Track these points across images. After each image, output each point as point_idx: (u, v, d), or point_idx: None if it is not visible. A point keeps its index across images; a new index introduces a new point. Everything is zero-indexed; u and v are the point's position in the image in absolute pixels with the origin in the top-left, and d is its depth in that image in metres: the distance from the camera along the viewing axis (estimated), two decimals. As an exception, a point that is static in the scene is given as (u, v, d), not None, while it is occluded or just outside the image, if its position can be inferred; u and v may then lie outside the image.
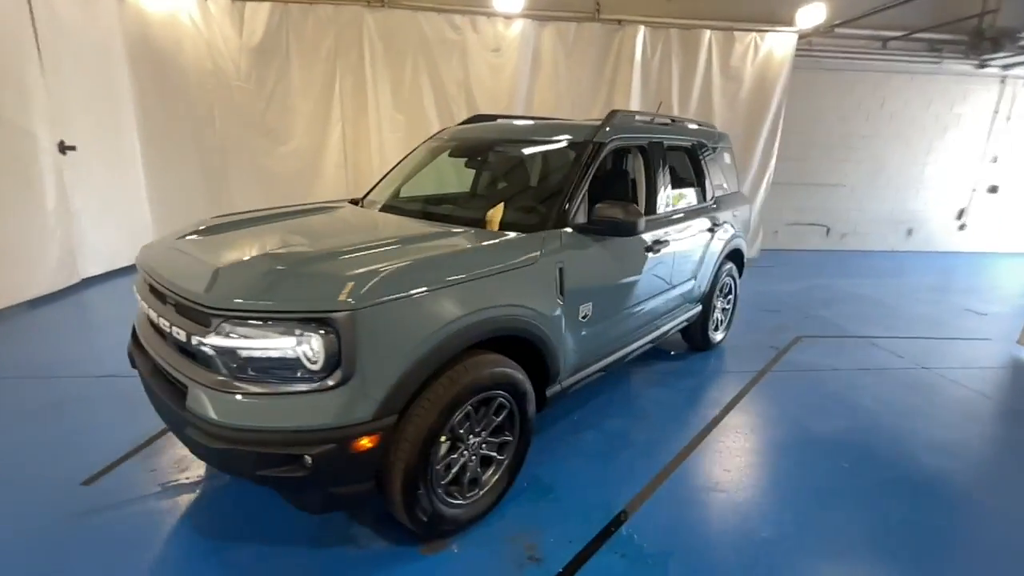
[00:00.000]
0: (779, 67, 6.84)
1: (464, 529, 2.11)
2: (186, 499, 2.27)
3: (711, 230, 3.62)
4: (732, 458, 2.72)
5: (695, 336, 3.96)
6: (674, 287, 3.30)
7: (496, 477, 2.21)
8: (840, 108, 7.86)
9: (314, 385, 1.63)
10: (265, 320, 1.61)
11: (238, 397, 1.64)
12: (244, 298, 1.64)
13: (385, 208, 2.86)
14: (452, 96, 6.32)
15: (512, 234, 2.27)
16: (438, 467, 1.94)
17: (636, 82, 6.57)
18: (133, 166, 5.86)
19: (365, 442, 1.68)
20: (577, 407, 3.15)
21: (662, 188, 3.14)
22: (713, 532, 2.20)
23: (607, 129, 2.76)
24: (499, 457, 2.22)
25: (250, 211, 2.70)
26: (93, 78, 5.26)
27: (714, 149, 3.91)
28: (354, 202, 3.08)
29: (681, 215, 3.30)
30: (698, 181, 3.66)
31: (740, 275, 4.34)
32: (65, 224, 4.89)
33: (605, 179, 3.35)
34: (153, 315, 1.94)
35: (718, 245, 3.74)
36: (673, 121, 3.63)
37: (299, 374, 1.63)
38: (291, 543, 2.05)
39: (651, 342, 3.23)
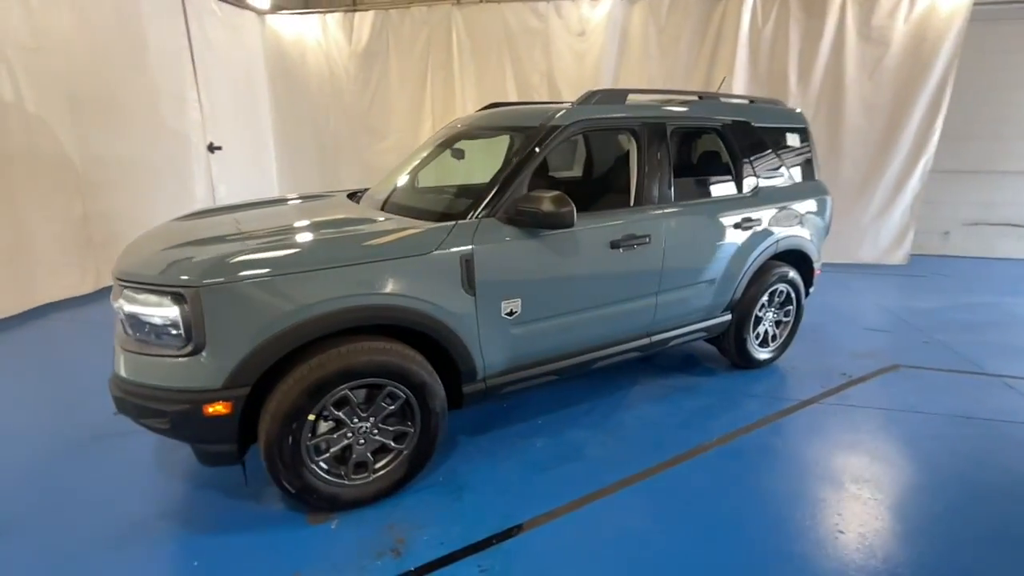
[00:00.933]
0: (947, 21, 5.34)
1: (346, 508, 2.17)
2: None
3: (742, 226, 3.04)
4: (678, 500, 2.27)
5: (729, 350, 3.39)
6: (672, 291, 2.86)
7: (391, 466, 2.23)
8: (1051, 69, 5.85)
9: (176, 352, 1.85)
10: (142, 290, 1.87)
11: (132, 355, 1.94)
12: (130, 270, 1.95)
13: (367, 199, 3.02)
14: (534, 86, 6.27)
15: (420, 224, 2.23)
16: (312, 444, 2.03)
17: (741, 58, 5.74)
18: (267, 161, 7.05)
19: (218, 408, 1.85)
20: (547, 411, 2.96)
21: (657, 176, 2.75)
22: (600, 573, 1.91)
23: (570, 112, 2.52)
24: (396, 446, 2.22)
25: (246, 201, 3.10)
26: (237, 89, 6.43)
27: (768, 130, 3.26)
28: (352, 194, 3.30)
29: (686, 207, 2.85)
30: (733, 168, 3.11)
31: (810, 283, 3.58)
32: (209, 209, 6.11)
33: (576, 166, 3.07)
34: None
35: (755, 245, 3.12)
36: (701, 98, 3.13)
37: (168, 341, 1.87)
38: (212, 489, 2.33)
39: (639, 350, 2.87)
